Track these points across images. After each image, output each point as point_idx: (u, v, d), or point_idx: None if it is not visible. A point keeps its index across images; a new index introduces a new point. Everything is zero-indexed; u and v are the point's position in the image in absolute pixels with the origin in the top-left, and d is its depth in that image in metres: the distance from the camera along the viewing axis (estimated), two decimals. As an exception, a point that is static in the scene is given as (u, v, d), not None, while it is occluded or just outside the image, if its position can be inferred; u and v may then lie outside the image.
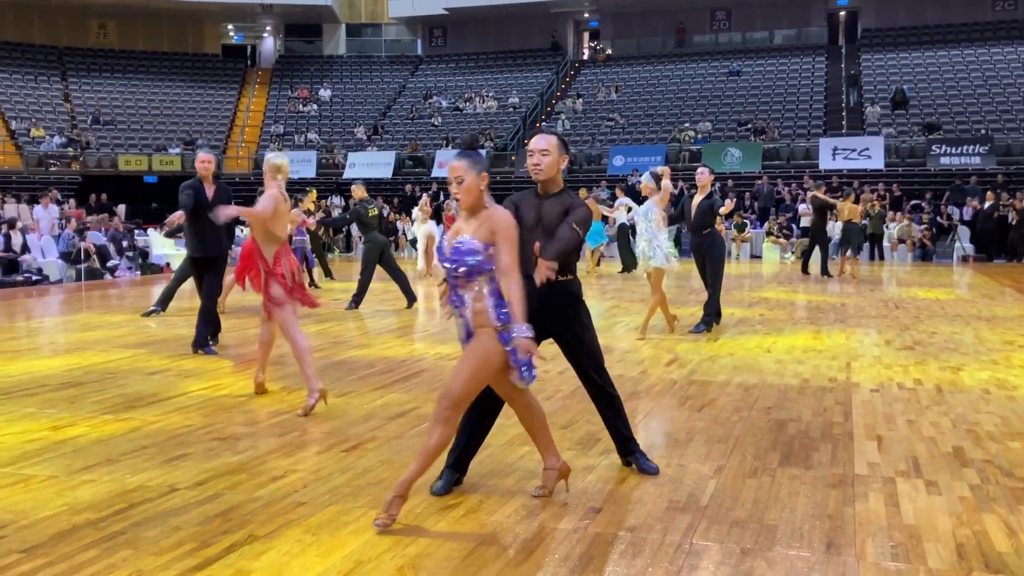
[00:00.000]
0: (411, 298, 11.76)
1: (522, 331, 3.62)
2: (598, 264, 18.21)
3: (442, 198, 26.70)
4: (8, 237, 17.12)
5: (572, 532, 3.63)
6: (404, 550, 3.44)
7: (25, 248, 17.31)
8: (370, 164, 29.62)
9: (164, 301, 10.90)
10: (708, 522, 3.74)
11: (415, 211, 18.19)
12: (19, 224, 17.91)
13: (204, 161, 7.86)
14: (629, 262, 17.71)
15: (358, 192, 12.03)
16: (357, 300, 11.63)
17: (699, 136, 28.12)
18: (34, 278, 16.52)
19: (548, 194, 4.24)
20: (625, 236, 17.26)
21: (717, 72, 32.18)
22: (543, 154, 4.19)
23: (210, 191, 7.89)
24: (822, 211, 16.77)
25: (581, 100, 32.25)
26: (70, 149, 29.69)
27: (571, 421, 5.48)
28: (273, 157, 6.02)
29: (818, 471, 4.46)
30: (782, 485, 4.22)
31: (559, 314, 4.24)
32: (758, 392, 6.34)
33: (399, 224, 25.25)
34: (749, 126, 28.15)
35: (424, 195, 18.41)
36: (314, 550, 3.44)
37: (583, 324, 4.31)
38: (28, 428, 5.37)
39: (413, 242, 24.16)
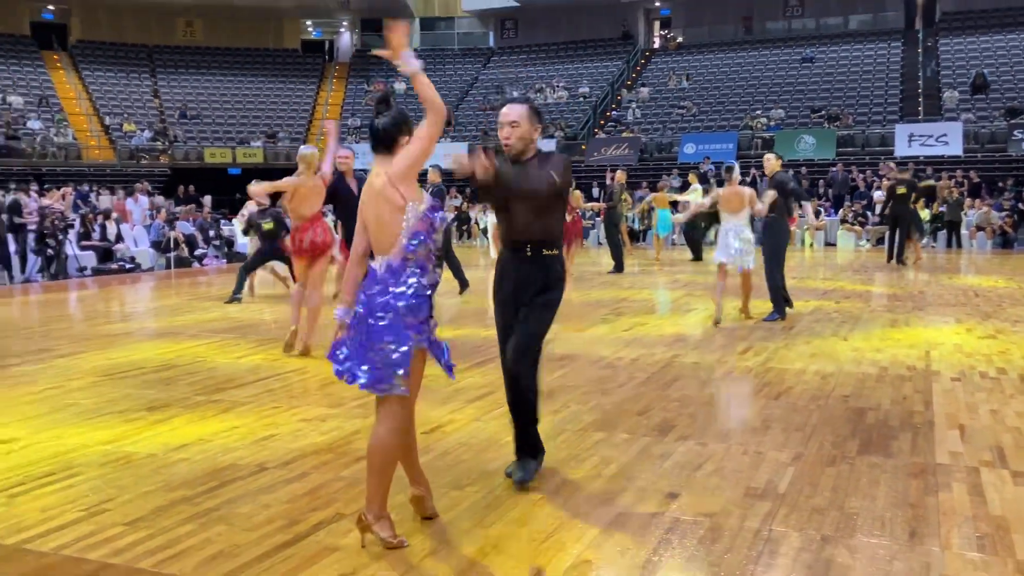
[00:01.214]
0: (463, 284, 11.87)
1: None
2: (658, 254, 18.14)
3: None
4: (104, 227, 17.89)
5: (650, 517, 3.67)
6: (485, 531, 3.53)
7: (119, 237, 18.04)
8: (444, 155, 29.72)
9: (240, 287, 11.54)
10: (787, 509, 3.74)
11: None
12: (113, 215, 18.68)
13: (343, 157, 8.00)
14: (698, 250, 17.58)
15: (433, 177, 12.23)
16: None
17: (771, 123, 27.64)
18: (127, 266, 17.29)
19: (526, 159, 3.99)
20: (695, 224, 17.13)
21: (790, 59, 31.54)
22: (513, 126, 3.96)
23: (353, 185, 7.97)
24: (904, 197, 16.31)
25: (647, 89, 31.94)
26: (159, 143, 30.67)
27: (647, 408, 5.51)
28: (302, 149, 7.52)
29: (899, 460, 4.41)
30: (862, 473, 4.20)
31: (534, 284, 3.95)
32: (835, 380, 6.27)
33: (471, 213, 25.45)
34: (823, 113, 27.54)
35: None
36: (398, 529, 3.55)
37: (546, 304, 3.98)
38: (127, 408, 5.64)
39: (485, 231, 24.36)
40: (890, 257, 16.45)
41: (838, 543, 3.38)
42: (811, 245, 21.69)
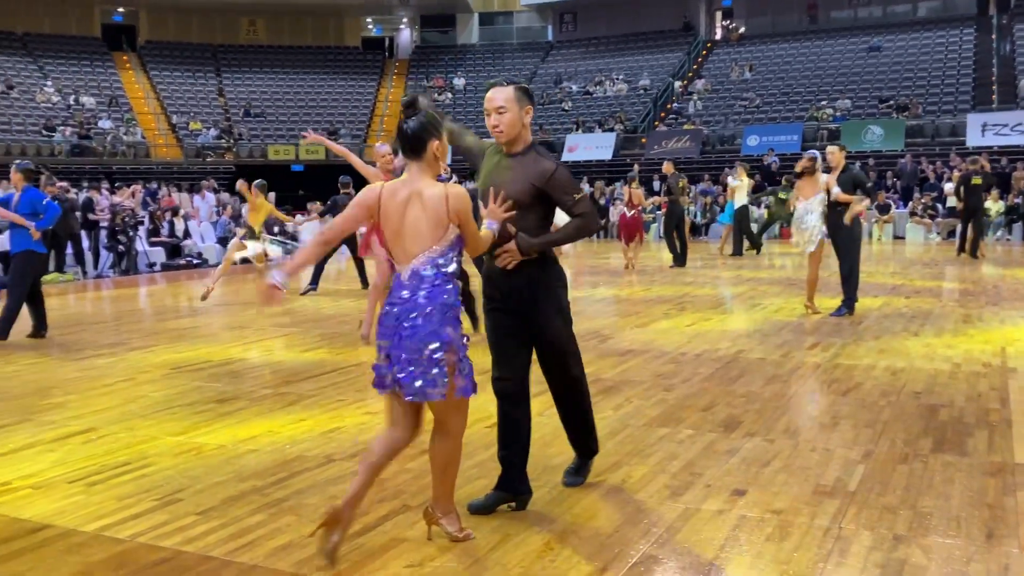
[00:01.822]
0: None
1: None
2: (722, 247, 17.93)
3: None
4: (172, 224, 18.35)
5: (717, 514, 3.63)
6: (550, 526, 3.53)
7: (187, 234, 18.49)
8: (502, 150, 29.93)
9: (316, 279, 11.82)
10: (857, 507, 3.67)
11: None
12: (181, 211, 19.15)
13: (383, 155, 8.08)
14: (755, 241, 17.30)
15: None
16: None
17: (837, 114, 27.08)
18: (195, 261, 17.71)
19: (512, 153, 3.64)
20: (745, 216, 16.92)
21: (856, 48, 30.85)
22: (500, 112, 3.57)
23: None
24: (978, 188, 15.83)
25: (703, 81, 31.54)
26: (224, 140, 31.34)
27: (711, 403, 5.45)
28: (377, 147, 7.78)
29: (974, 458, 4.29)
30: (935, 472, 4.09)
31: (520, 292, 3.64)
32: (906, 376, 6.12)
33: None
34: (891, 103, 26.88)
35: None
36: (463, 521, 3.57)
37: (552, 313, 3.67)
38: (196, 400, 5.77)
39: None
40: (960, 250, 16.00)
41: (911, 543, 3.30)
42: (879, 238, 21.21)
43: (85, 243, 16.22)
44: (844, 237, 8.88)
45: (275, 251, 11.49)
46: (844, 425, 4.92)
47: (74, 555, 3.30)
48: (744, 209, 16.87)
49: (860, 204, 8.85)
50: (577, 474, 4.01)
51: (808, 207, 8.73)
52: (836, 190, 8.58)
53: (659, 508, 3.71)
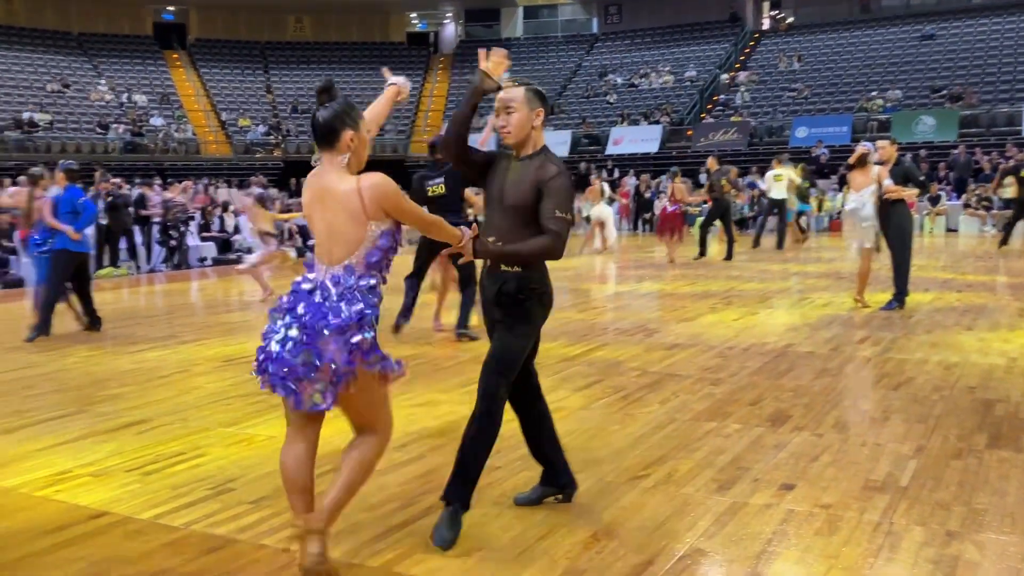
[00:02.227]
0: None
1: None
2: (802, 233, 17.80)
3: (616, 175, 26.63)
4: (222, 219, 18.65)
5: (765, 508, 3.61)
6: (597, 518, 3.54)
7: (236, 229, 18.78)
8: (547, 144, 29.89)
9: None
10: (909, 502, 3.62)
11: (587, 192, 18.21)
12: (231, 207, 19.46)
13: None
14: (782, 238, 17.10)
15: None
16: None
17: (888, 104, 26.57)
18: (244, 256, 17.94)
19: (526, 155, 3.44)
20: (782, 208, 16.76)
21: (908, 37, 30.22)
22: (509, 112, 3.40)
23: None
24: None
25: (745, 74, 31.15)
26: (272, 137, 31.76)
27: (759, 397, 5.41)
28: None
29: (1031, 455, 4.21)
30: (991, 468, 4.02)
31: (492, 300, 3.44)
32: (959, 371, 6.01)
33: (575, 202, 25.44)
34: (944, 92, 26.30)
35: (594, 176, 18.26)
36: (511, 513, 3.60)
37: (512, 330, 3.39)
38: (248, 392, 5.87)
39: (588, 219, 24.28)
40: (1003, 243, 15.73)
41: (964, 539, 3.25)
42: (931, 231, 20.80)
43: (138, 238, 16.56)
44: (895, 229, 8.72)
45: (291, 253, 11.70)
46: (895, 420, 4.86)
47: (132, 541, 3.40)
48: (782, 202, 16.73)
49: (910, 190, 8.67)
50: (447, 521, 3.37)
51: (860, 199, 8.60)
52: (887, 182, 8.44)
53: (706, 502, 3.70)
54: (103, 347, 7.89)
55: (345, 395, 2.99)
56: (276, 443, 4.64)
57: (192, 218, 17.75)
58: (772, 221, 17.64)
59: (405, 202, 2.99)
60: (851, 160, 8.81)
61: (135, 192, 17.76)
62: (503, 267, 3.38)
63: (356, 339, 2.90)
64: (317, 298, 2.93)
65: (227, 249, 18.21)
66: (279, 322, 3.00)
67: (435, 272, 8.61)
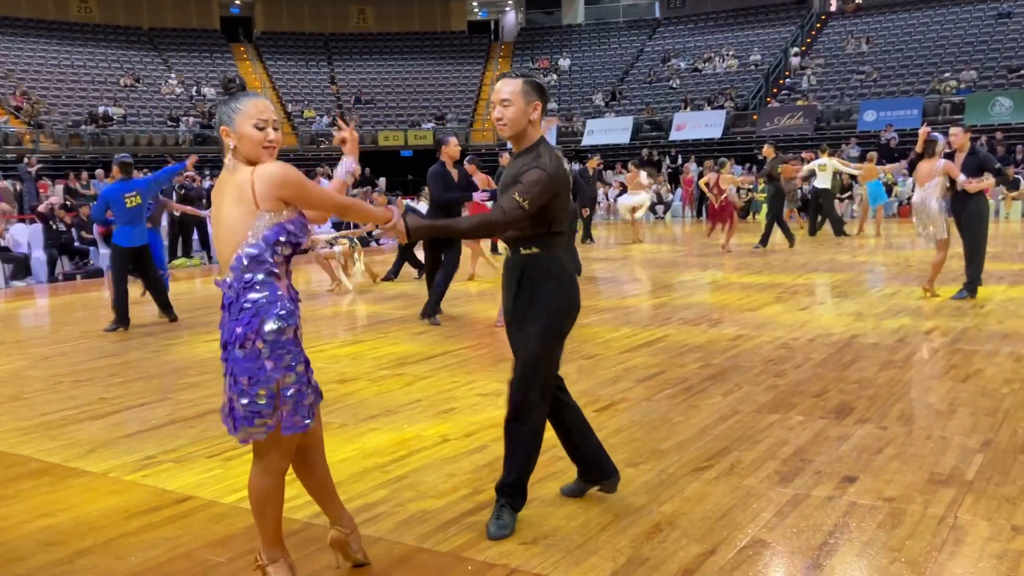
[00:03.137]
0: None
1: None
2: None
3: (680, 161, 26.42)
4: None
5: (827, 500, 3.64)
6: (660, 507, 3.62)
7: (301, 219, 19.18)
8: (608, 130, 29.83)
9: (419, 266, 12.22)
10: (974, 497, 3.62)
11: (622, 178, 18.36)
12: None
13: None
14: (837, 225, 16.78)
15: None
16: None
17: (962, 86, 25.82)
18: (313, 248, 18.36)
19: (519, 151, 3.39)
20: (827, 197, 16.52)
21: (984, 15, 29.30)
22: (504, 104, 3.32)
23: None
24: None
25: (812, 55, 30.52)
26: (336, 128, 32.24)
27: (824, 390, 5.41)
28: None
29: (1103, 450, 4.15)
30: (1060, 463, 3.98)
31: (511, 289, 3.41)
32: (1032, 364, 5.91)
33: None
34: (1022, 72, 25.46)
35: (632, 163, 18.15)
36: (574, 503, 3.70)
37: (535, 318, 3.34)
38: (319, 381, 6.03)
39: (651, 206, 24.16)
40: None
41: (1031, 534, 3.25)
42: (1006, 216, 20.22)
43: (210, 229, 17.03)
44: (969, 216, 8.55)
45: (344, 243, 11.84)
46: (962, 413, 4.82)
47: (217, 524, 3.59)
48: (827, 192, 16.52)
49: (987, 181, 8.49)
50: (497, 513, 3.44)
51: (924, 194, 8.44)
52: (962, 178, 8.27)
53: (768, 493, 3.74)
54: (180, 336, 8.20)
55: None
56: (347, 431, 4.83)
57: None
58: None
59: (303, 188, 2.84)
60: (917, 148, 8.65)
61: (207, 184, 18.26)
62: (522, 250, 3.35)
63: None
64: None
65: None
66: None
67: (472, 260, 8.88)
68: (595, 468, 3.67)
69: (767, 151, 15.20)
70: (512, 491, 3.42)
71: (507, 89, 3.33)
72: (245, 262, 2.76)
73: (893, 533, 3.30)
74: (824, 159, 16.45)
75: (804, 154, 19.13)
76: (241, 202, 2.76)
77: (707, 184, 15.23)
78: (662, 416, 4.94)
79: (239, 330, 2.76)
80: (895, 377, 5.68)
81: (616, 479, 3.69)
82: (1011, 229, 17.63)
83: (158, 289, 9.03)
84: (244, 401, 2.75)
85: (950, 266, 9.67)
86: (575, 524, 3.47)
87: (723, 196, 14.71)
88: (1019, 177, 20.94)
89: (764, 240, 14.70)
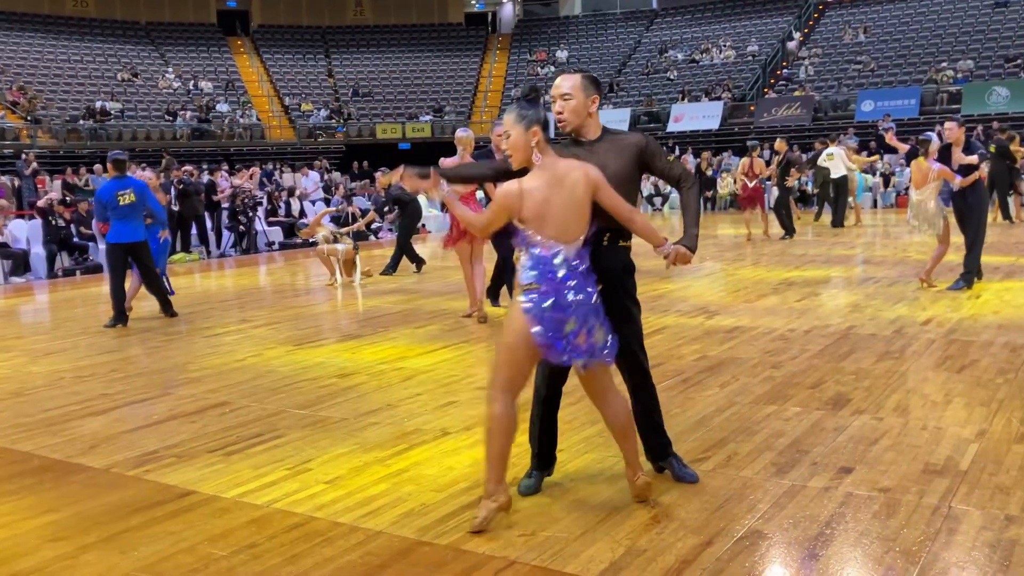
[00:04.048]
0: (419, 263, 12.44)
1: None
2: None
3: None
4: (288, 204, 19.07)
5: (823, 491, 3.68)
6: (658, 499, 3.65)
7: (303, 213, 19.20)
8: (606, 122, 29.38)
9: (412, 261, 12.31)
10: (968, 486, 3.66)
11: None
12: (297, 192, 19.89)
13: (498, 134, 8.14)
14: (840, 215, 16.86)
15: None
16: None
17: (959, 76, 25.82)
18: (311, 240, 18.32)
19: (589, 139, 3.61)
20: (837, 188, 16.60)
21: (980, 4, 29.29)
22: (565, 99, 3.54)
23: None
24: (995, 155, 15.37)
25: (793, 42, 30.50)
26: (334, 120, 32.24)
27: (820, 381, 5.45)
28: (459, 132, 7.98)
29: (1096, 439, 4.19)
30: (1053, 452, 4.02)
31: (610, 283, 3.63)
32: (1028, 354, 5.95)
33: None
34: (1018, 62, 25.46)
35: None
36: (572, 495, 3.74)
37: (633, 298, 3.72)
38: (319, 376, 6.11)
39: (649, 198, 24.20)
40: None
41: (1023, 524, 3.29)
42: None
43: (208, 224, 17.05)
44: (969, 207, 8.59)
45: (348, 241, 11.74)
46: (957, 403, 4.86)
47: (219, 518, 3.62)
48: (842, 180, 16.59)
49: (980, 173, 8.54)
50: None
51: (922, 196, 8.47)
52: (958, 179, 8.33)
53: (765, 484, 3.78)
54: (180, 332, 8.23)
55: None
56: (347, 425, 4.87)
57: (260, 203, 18.19)
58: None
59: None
60: (897, 146, 8.71)
61: (205, 178, 18.27)
62: (621, 242, 3.66)
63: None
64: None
65: (293, 234, 18.63)
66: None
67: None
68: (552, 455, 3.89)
69: (779, 144, 15.34)
70: (667, 443, 3.88)
71: (567, 84, 3.55)
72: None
73: (888, 523, 3.34)
74: (832, 148, 16.52)
75: (817, 144, 19.14)
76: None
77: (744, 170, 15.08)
78: (662, 406, 4.96)
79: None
80: (891, 368, 5.72)
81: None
82: (1004, 221, 17.61)
83: (156, 286, 9.04)
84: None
85: (948, 258, 9.71)
86: (573, 516, 3.50)
87: (756, 178, 14.67)
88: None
89: (788, 231, 14.85)
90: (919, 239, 10.81)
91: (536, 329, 3.29)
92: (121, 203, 8.52)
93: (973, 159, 8.35)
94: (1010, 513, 3.38)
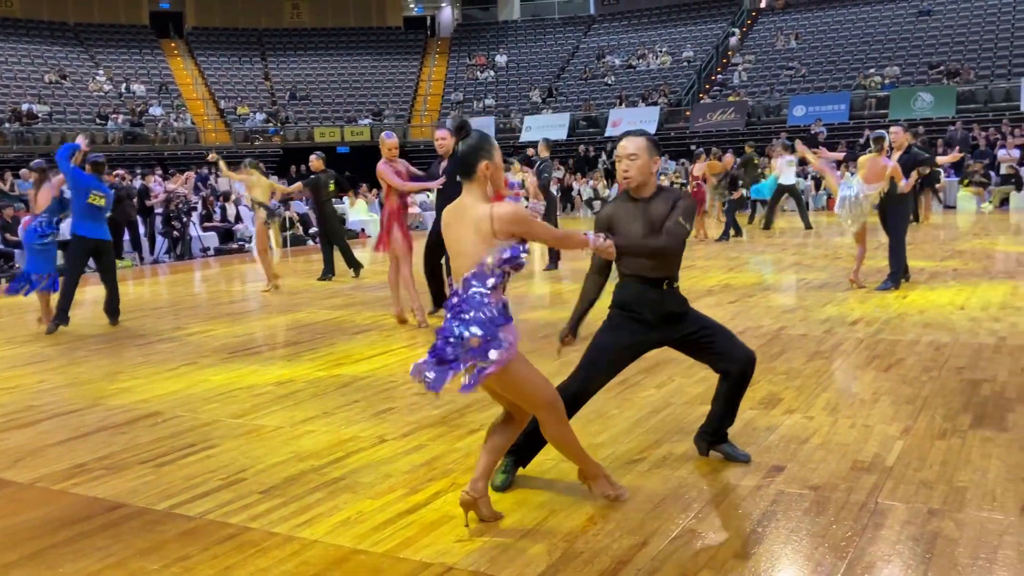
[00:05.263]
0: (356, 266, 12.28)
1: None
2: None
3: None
4: (224, 208, 18.75)
5: (756, 489, 3.75)
6: (594, 501, 3.68)
7: (238, 218, 18.89)
8: (545, 127, 29.94)
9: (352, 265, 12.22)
10: (894, 482, 3.76)
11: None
12: (233, 196, 19.57)
13: (441, 138, 8.01)
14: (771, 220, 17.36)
15: (543, 151, 12.24)
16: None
17: (886, 82, 26.58)
18: (247, 245, 18.05)
19: (644, 197, 3.87)
20: (781, 193, 17.10)
21: (905, 13, 30.20)
22: (631, 159, 3.81)
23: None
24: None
25: (738, 54, 31.11)
26: (271, 124, 31.79)
27: (752, 381, 5.44)
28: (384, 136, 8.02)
29: (1013, 433, 4.34)
30: (973, 447, 4.16)
31: (678, 318, 4.00)
32: (949, 351, 6.14)
33: (574, 184, 25.51)
34: (941, 68, 26.32)
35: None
36: (511, 498, 3.75)
37: (702, 315, 4.12)
38: (255, 383, 6.02)
39: (588, 202, 24.39)
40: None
41: (945, 516, 3.40)
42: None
43: (141, 229, 16.69)
44: (892, 211, 8.84)
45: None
46: (884, 401, 5.00)
47: (149, 531, 3.55)
48: (792, 187, 17.06)
49: (911, 179, 8.83)
50: None
51: (867, 191, 8.68)
52: (904, 183, 8.59)
53: (699, 484, 3.84)
54: (111, 340, 8.04)
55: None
56: (283, 433, 4.81)
57: (194, 208, 17.86)
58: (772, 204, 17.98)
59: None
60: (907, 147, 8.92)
61: (138, 183, 17.88)
62: (675, 284, 3.96)
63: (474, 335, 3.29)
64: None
65: (229, 239, 18.33)
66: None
67: None
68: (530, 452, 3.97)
69: (727, 159, 16.23)
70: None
71: (634, 145, 3.82)
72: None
73: (817, 520, 3.42)
74: (791, 156, 17.00)
75: (747, 147, 19.54)
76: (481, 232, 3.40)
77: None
78: (597, 409, 5.01)
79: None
80: (822, 368, 5.86)
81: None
82: (934, 220, 18.18)
83: (113, 290, 8.86)
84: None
85: (875, 257, 9.98)
86: (511, 520, 3.51)
87: (698, 181, 15.47)
88: (939, 170, 21.66)
89: (729, 233, 15.41)
90: (849, 240, 11.08)
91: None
92: (91, 201, 8.47)
93: (956, 155, 8.70)
94: (932, 507, 3.49)
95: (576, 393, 3.93)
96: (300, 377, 6.18)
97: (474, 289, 3.31)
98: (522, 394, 3.44)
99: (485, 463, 3.50)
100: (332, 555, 3.27)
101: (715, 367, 4.10)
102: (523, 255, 3.38)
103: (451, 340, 3.28)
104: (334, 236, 12.34)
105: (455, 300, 3.37)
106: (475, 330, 3.24)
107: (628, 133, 3.89)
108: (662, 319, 3.98)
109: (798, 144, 10.31)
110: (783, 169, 16.96)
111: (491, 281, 3.31)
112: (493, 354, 3.23)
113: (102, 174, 8.75)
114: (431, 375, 3.28)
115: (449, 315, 3.36)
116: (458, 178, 3.45)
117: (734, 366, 4.03)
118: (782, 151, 17.28)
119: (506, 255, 3.31)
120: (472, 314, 3.27)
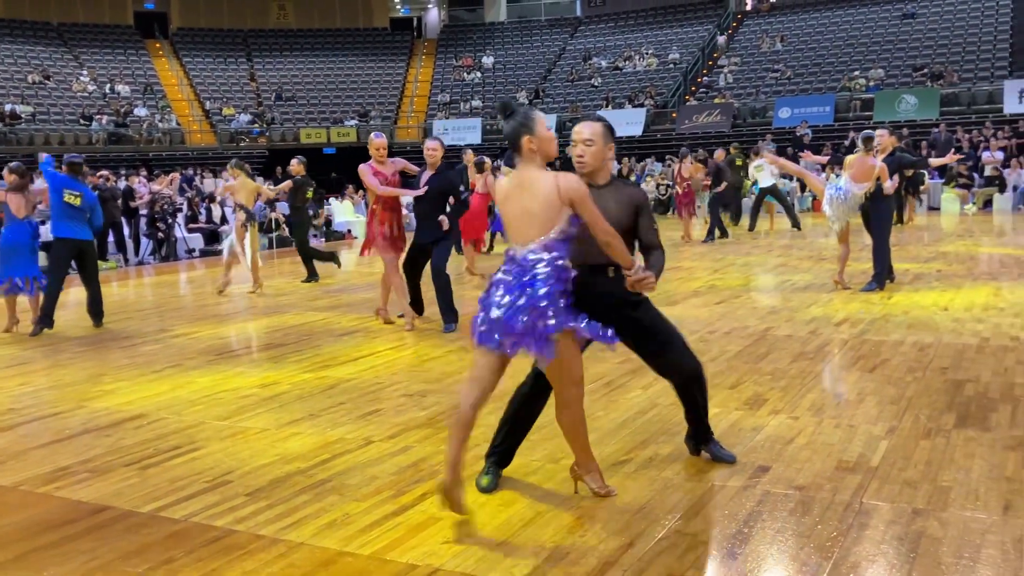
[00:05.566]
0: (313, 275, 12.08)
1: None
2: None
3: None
4: (209, 210, 18.66)
5: (741, 490, 3.77)
6: (580, 502, 3.69)
7: (224, 219, 18.81)
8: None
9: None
10: (879, 482, 3.78)
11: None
12: (219, 198, 19.46)
13: (431, 149, 7.84)
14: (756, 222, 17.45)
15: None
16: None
17: (871, 84, 26.75)
18: (218, 247, 17.97)
19: (597, 184, 3.85)
20: (762, 197, 17.19)
21: (890, 16, 30.41)
22: (587, 144, 3.81)
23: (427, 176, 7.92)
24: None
25: (723, 56, 31.25)
26: (256, 125, 31.68)
27: (738, 381, 5.57)
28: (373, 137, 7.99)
29: (996, 433, 4.38)
30: (957, 447, 4.19)
31: (625, 304, 3.97)
32: (933, 352, 6.19)
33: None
34: (925, 71, 26.50)
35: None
36: (497, 499, 3.75)
37: (657, 313, 4.19)
38: (240, 385, 6.00)
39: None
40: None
41: (929, 516, 3.42)
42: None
43: (126, 231, 16.59)
44: (876, 213, 8.90)
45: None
46: (869, 402, 5.03)
47: (133, 534, 3.53)
48: (773, 187, 17.11)
49: (895, 181, 8.91)
50: None
51: (860, 189, 8.71)
52: (888, 184, 8.64)
53: (685, 485, 3.85)
54: (95, 342, 7.99)
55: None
56: (269, 435, 4.79)
57: (179, 210, 17.78)
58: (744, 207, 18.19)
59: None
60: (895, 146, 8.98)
61: (123, 184, 17.78)
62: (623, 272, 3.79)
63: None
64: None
65: (215, 240, 18.26)
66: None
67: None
68: (510, 457, 4.02)
69: (719, 155, 16.65)
70: (708, 430, 4.15)
71: (589, 130, 3.82)
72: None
73: (803, 520, 3.43)
74: (760, 159, 17.01)
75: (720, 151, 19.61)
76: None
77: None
78: (595, 415, 5.00)
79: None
80: (807, 368, 5.88)
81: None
82: (918, 221, 18.30)
83: (95, 291, 8.81)
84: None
85: (861, 258, 10.03)
86: (498, 521, 3.51)
87: (685, 184, 15.59)
88: (923, 172, 21.80)
89: (715, 233, 15.56)
90: (834, 242, 11.12)
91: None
92: (66, 200, 8.42)
93: (952, 158, 8.76)
94: (917, 507, 3.51)
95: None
96: (286, 379, 6.15)
97: (547, 255, 3.43)
98: (559, 364, 3.50)
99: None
100: (318, 557, 3.26)
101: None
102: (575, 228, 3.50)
103: (519, 305, 3.38)
104: (301, 241, 12.27)
105: (514, 269, 3.45)
106: (544, 291, 3.38)
107: (584, 118, 3.90)
108: (612, 308, 3.91)
109: (765, 153, 10.36)
110: (754, 173, 17.06)
111: (561, 247, 3.46)
112: (555, 319, 3.38)
113: (78, 174, 8.67)
114: (534, 347, 3.40)
115: (503, 286, 3.44)
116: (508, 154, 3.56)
117: (675, 376, 4.10)
118: (754, 156, 17.38)
119: (570, 225, 3.47)
120: (544, 276, 3.39)
